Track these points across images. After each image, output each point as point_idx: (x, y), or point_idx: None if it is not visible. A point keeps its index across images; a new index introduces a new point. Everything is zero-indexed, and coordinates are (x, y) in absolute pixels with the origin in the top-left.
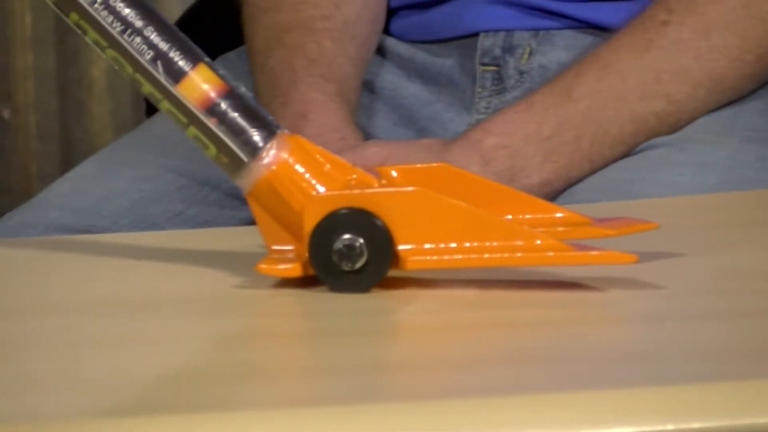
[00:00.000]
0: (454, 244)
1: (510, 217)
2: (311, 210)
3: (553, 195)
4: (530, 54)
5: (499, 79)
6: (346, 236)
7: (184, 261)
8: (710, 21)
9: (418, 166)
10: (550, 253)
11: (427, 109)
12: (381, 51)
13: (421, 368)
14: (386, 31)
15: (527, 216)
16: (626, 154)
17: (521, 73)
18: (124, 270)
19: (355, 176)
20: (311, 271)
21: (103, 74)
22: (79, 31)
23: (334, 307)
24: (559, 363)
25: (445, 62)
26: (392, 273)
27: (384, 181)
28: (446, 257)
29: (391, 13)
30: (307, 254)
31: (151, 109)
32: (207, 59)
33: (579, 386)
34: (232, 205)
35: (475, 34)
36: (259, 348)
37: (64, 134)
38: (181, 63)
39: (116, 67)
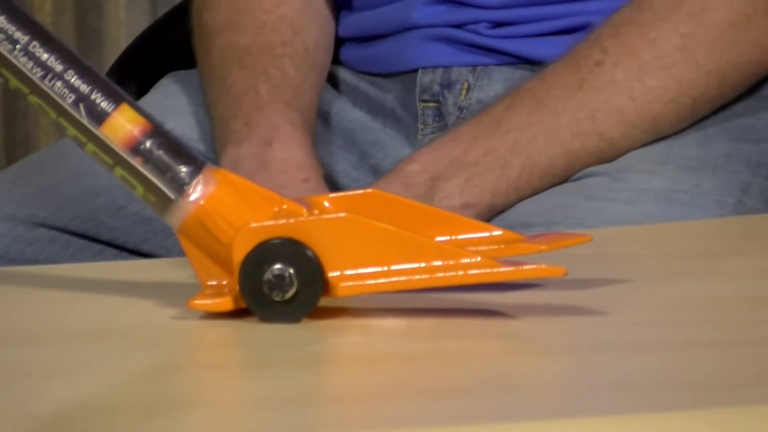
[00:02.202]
0: (384, 268)
1: (444, 238)
2: (240, 242)
3: (479, 219)
4: (468, 89)
5: (439, 115)
6: (276, 266)
7: (122, 292)
8: (645, 63)
9: (350, 193)
10: (481, 270)
11: (370, 135)
12: (328, 77)
13: (353, 400)
14: (334, 58)
15: (460, 237)
16: (556, 185)
17: (461, 109)
18: (60, 302)
19: (285, 206)
20: (244, 304)
21: None
22: (1, 80)
23: (265, 338)
24: (492, 394)
25: (387, 96)
26: (325, 302)
27: (316, 211)
28: (376, 281)
29: (340, 41)
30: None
31: None
32: (129, 99)
33: (516, 417)
34: None
35: (416, 70)
36: (189, 379)
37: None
38: (103, 104)
39: (41, 113)
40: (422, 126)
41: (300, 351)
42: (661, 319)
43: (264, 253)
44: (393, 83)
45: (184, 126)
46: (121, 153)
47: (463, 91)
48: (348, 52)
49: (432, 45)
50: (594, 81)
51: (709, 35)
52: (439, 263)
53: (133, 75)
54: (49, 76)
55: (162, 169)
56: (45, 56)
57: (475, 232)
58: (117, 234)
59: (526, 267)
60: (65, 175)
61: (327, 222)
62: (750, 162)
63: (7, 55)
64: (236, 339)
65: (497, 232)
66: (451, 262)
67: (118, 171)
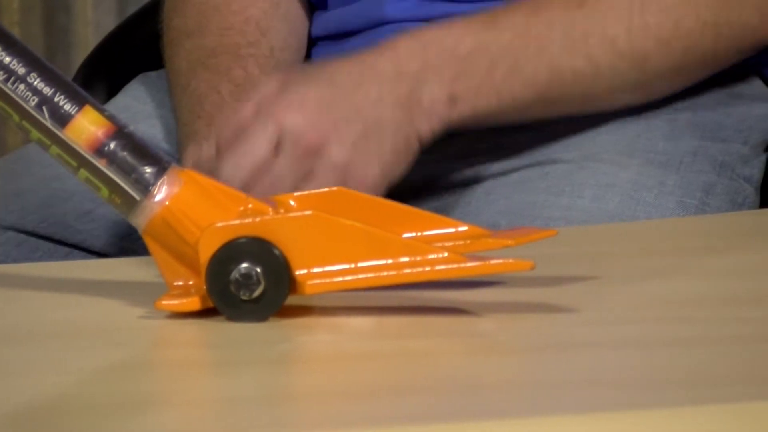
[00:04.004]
0: (351, 265)
1: (411, 234)
2: (206, 241)
3: (459, 120)
4: None
5: None
6: (243, 265)
7: (89, 292)
8: (648, 1)
9: (315, 192)
10: (448, 266)
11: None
12: None
13: (320, 398)
14: (308, 59)
15: (427, 233)
16: (535, 106)
17: None
18: (27, 301)
19: (250, 205)
20: (211, 304)
21: None
22: None
23: (232, 337)
24: (458, 393)
25: None
26: (292, 300)
27: (281, 210)
28: (343, 278)
29: (313, 42)
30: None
31: None
32: (92, 101)
33: (481, 416)
34: None
35: None
36: (157, 378)
37: None
38: (66, 107)
39: (5, 116)
40: None
41: (267, 350)
42: (630, 317)
43: (230, 252)
44: None
45: (153, 129)
46: (86, 155)
47: None
48: (320, 52)
49: None
50: (595, 3)
51: None
52: (406, 259)
53: (102, 74)
54: (12, 79)
55: (126, 171)
56: (7, 59)
57: (441, 227)
58: (84, 237)
59: (493, 261)
60: (33, 180)
61: (293, 220)
62: (715, 162)
63: None
64: (203, 338)
65: (463, 228)
66: (418, 258)
67: (83, 173)
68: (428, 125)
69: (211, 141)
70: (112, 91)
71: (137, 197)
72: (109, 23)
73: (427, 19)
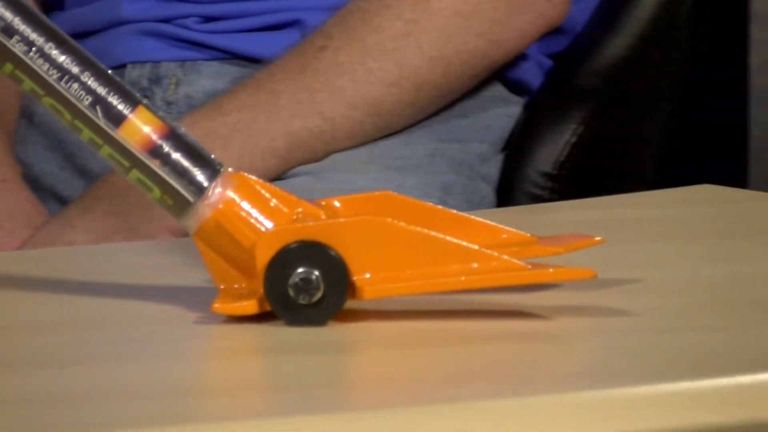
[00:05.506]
0: (410, 271)
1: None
2: (263, 245)
3: None
4: (177, 84)
5: None
6: (301, 269)
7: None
8: (367, 47)
9: (361, 194)
10: (508, 273)
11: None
12: None
13: (373, 384)
14: None
15: (475, 239)
16: (282, 169)
17: (169, 103)
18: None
19: (300, 209)
20: (267, 307)
21: None
22: (15, 82)
23: (291, 339)
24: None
25: None
26: (350, 305)
27: (329, 212)
28: (403, 284)
29: None
30: (261, 290)
31: None
32: (146, 101)
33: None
34: None
35: (125, 66)
36: (216, 367)
37: None
38: (120, 107)
39: (55, 115)
40: None
41: (323, 344)
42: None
43: (289, 256)
44: None
45: None
46: (139, 155)
47: (172, 86)
48: None
49: (141, 40)
50: (316, 64)
51: (434, 23)
52: (465, 266)
53: None
54: (66, 77)
55: (180, 172)
56: (61, 58)
57: (488, 233)
58: None
59: (552, 270)
60: None
61: (351, 224)
62: (453, 162)
63: (23, 57)
64: (258, 338)
65: (506, 235)
66: (475, 265)
67: (134, 174)
68: (163, 225)
69: None
70: None
71: (191, 199)
72: None
73: (164, 20)
